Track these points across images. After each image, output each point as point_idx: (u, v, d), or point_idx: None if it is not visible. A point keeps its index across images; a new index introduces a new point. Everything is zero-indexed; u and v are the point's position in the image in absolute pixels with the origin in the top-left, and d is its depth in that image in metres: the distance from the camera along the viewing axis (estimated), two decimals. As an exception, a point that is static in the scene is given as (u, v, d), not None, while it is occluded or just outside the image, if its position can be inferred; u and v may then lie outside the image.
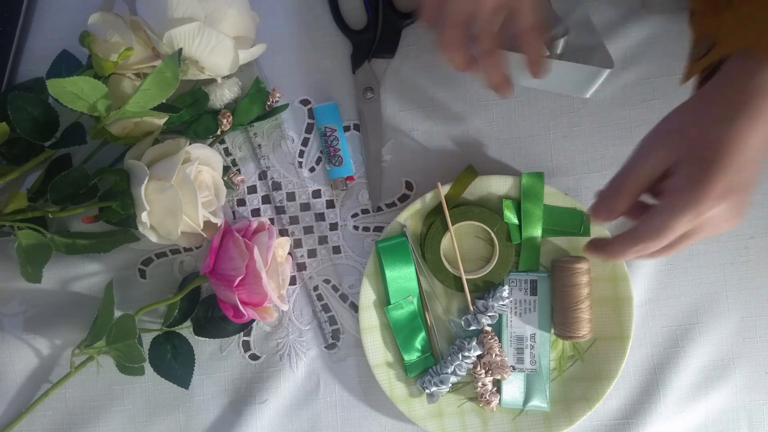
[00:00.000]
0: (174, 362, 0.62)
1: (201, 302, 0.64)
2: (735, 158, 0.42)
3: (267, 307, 0.62)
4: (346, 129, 0.66)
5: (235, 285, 0.58)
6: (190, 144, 0.59)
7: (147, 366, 0.62)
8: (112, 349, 0.59)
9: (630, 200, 0.47)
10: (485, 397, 0.62)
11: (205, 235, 0.60)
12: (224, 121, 0.63)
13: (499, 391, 0.63)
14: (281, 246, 0.63)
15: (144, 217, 0.56)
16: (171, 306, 0.62)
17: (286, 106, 0.65)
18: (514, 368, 0.63)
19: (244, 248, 0.58)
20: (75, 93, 0.53)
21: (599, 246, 0.50)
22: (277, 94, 0.64)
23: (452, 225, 0.62)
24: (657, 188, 0.46)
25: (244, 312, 0.58)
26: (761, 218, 0.64)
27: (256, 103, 0.64)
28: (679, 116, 0.46)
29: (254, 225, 0.61)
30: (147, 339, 0.63)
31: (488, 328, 0.62)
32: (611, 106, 0.65)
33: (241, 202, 0.66)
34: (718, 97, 0.44)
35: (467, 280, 0.62)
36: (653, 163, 0.45)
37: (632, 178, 0.46)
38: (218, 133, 0.64)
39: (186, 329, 0.63)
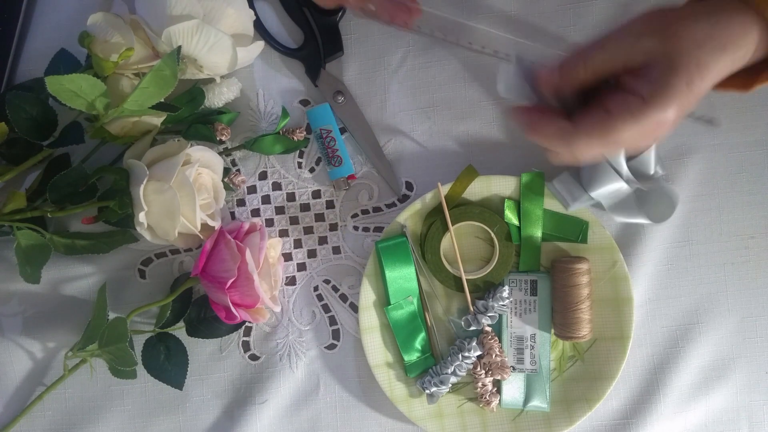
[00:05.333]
0: (167, 363, 0.62)
1: (193, 303, 0.64)
2: (703, 80, 0.42)
3: (259, 308, 0.61)
4: (343, 130, 0.65)
5: (227, 287, 0.58)
6: (191, 146, 0.59)
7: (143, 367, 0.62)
8: (104, 352, 0.59)
9: (587, 74, 0.44)
10: (485, 398, 0.62)
11: (202, 237, 0.60)
12: (224, 133, 0.63)
13: (499, 391, 0.63)
14: (273, 247, 0.63)
15: (141, 217, 0.56)
16: (163, 307, 0.62)
17: (305, 141, 0.65)
18: (514, 368, 0.62)
19: (235, 250, 0.58)
20: (73, 91, 0.53)
21: (545, 81, 0.46)
22: (300, 133, 0.64)
23: (452, 225, 0.62)
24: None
25: (236, 314, 0.58)
26: (761, 218, 0.64)
27: (281, 142, 0.64)
28: (678, 15, 0.43)
29: (246, 226, 0.61)
30: (141, 340, 0.63)
31: (488, 329, 0.62)
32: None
33: (241, 203, 0.66)
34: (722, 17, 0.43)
35: (467, 280, 0.62)
36: (632, 49, 0.43)
37: (601, 53, 0.43)
38: (220, 141, 0.63)
39: (180, 330, 0.63)
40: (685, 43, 0.42)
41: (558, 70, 0.45)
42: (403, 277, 0.63)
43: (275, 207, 0.66)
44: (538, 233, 0.62)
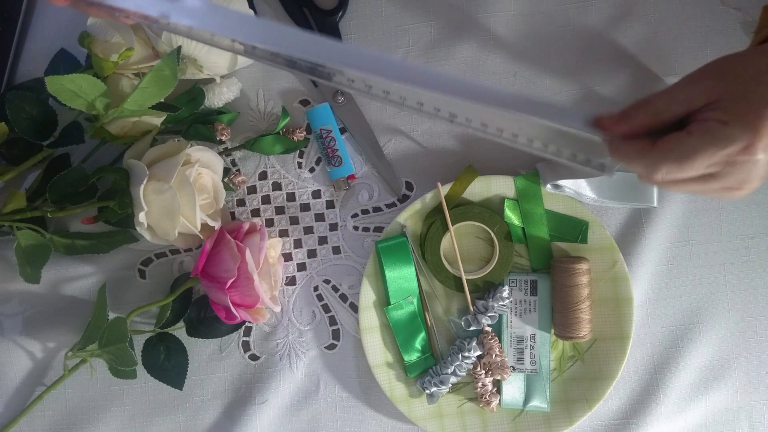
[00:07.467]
0: (167, 363, 0.62)
1: (193, 303, 0.64)
2: None
3: (259, 308, 0.62)
4: (343, 130, 0.65)
5: (227, 287, 0.58)
6: (191, 146, 0.59)
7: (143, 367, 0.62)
8: (104, 352, 0.59)
9: (649, 117, 0.42)
10: (485, 398, 0.62)
11: (202, 237, 0.60)
12: (224, 133, 0.63)
13: (499, 391, 0.63)
14: (273, 247, 0.63)
15: (141, 217, 0.56)
16: (163, 307, 0.62)
17: (305, 141, 0.65)
18: (514, 369, 0.62)
19: (235, 250, 0.58)
20: (73, 91, 0.53)
21: (608, 130, 0.44)
22: (300, 133, 0.64)
23: (452, 225, 0.62)
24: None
25: (236, 314, 0.58)
26: (761, 218, 0.64)
27: (281, 142, 0.64)
28: (733, 58, 0.42)
29: (246, 226, 0.61)
30: (141, 340, 0.63)
31: (488, 329, 0.62)
32: (611, 106, 0.64)
33: (241, 203, 0.66)
34: None
35: (467, 280, 0.62)
36: (692, 90, 0.41)
37: (663, 97, 0.42)
38: (220, 141, 0.63)
39: (180, 330, 0.63)
40: (745, 77, 0.40)
41: (619, 115, 0.43)
42: (403, 277, 0.63)
43: (275, 207, 0.66)
44: (544, 232, 0.62)
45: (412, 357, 0.63)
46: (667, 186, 0.44)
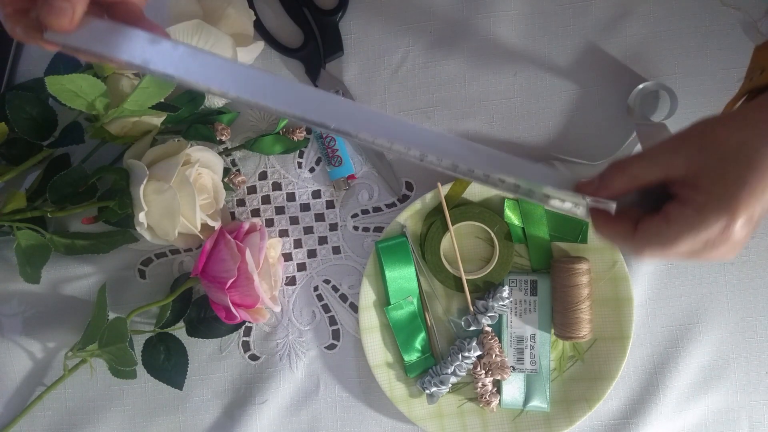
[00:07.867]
0: (167, 363, 0.62)
1: (193, 303, 0.64)
2: (761, 177, 0.38)
3: (259, 308, 0.62)
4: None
5: (227, 287, 0.58)
6: (191, 146, 0.59)
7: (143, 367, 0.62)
8: (104, 352, 0.59)
9: (627, 182, 0.43)
10: (485, 398, 0.62)
11: (202, 237, 0.60)
12: (224, 133, 0.63)
13: (499, 391, 0.63)
14: (273, 247, 0.63)
15: (141, 217, 0.56)
16: (163, 307, 0.62)
17: (305, 141, 0.65)
18: (514, 369, 0.62)
19: (235, 250, 0.58)
20: (73, 91, 0.53)
21: (594, 210, 0.44)
22: (300, 133, 0.65)
23: (452, 225, 0.62)
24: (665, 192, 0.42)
25: (236, 314, 0.58)
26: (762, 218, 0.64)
27: (281, 142, 0.64)
28: (715, 124, 0.41)
29: (246, 226, 0.61)
30: (141, 340, 0.63)
31: (488, 329, 0.62)
32: (611, 107, 0.64)
33: (241, 203, 0.66)
34: (763, 115, 0.40)
35: (467, 280, 0.62)
36: (672, 158, 0.41)
37: (641, 162, 0.42)
38: (220, 141, 0.63)
39: (180, 330, 0.63)
40: (725, 151, 0.40)
41: (598, 181, 0.44)
42: (403, 277, 0.63)
43: (275, 207, 0.66)
44: (544, 232, 0.62)
45: (412, 357, 0.63)
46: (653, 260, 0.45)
